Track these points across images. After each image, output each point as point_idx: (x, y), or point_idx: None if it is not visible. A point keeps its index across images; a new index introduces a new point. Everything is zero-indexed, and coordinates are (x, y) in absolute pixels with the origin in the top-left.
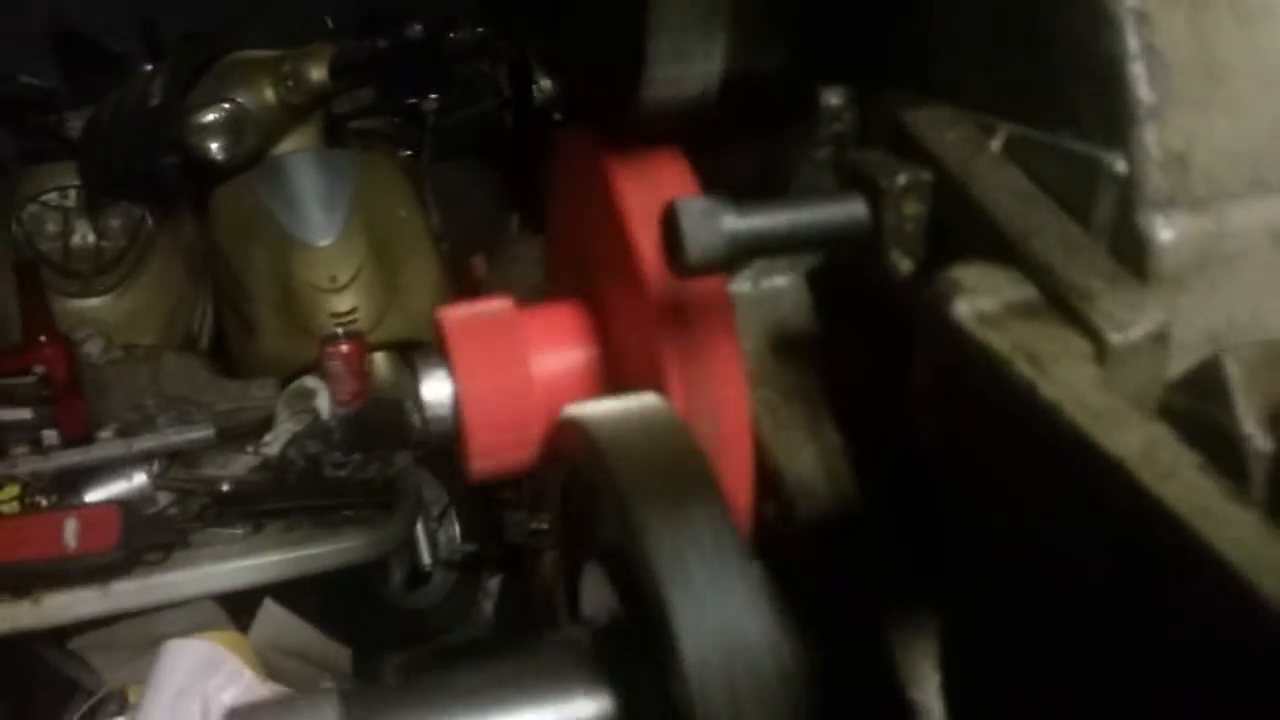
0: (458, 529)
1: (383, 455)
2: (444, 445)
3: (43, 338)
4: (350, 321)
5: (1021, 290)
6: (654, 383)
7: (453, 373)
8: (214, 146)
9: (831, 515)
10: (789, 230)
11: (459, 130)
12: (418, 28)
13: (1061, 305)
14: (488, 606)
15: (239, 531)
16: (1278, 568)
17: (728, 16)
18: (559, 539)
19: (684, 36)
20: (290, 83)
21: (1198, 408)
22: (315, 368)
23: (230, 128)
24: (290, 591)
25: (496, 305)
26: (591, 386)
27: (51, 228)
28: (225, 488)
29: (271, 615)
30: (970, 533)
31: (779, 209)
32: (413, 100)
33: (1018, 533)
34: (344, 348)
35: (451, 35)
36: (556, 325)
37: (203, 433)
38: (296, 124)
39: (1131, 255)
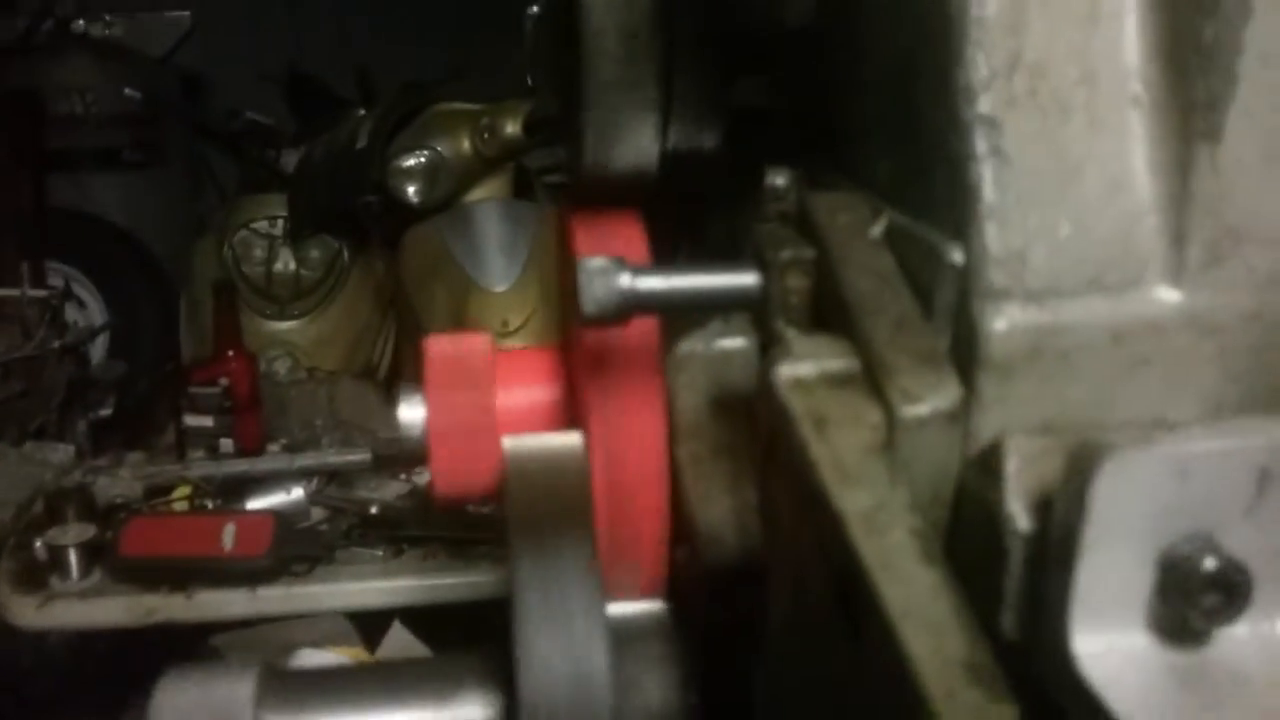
0: None
1: None
2: (416, 463)
3: (230, 353)
4: None
5: (844, 362)
6: (583, 425)
7: (425, 397)
8: (411, 190)
9: (733, 565)
10: (683, 293)
11: None
12: None
13: (871, 378)
14: None
15: (380, 553)
16: (922, 618)
17: (657, 100)
18: None
19: (611, 117)
20: (486, 135)
21: (978, 486)
22: None
23: (428, 174)
24: (426, 619)
25: (476, 341)
26: (552, 425)
27: (258, 253)
28: (374, 510)
29: (398, 638)
30: (775, 591)
31: (676, 272)
32: None
33: (798, 589)
34: None
35: None
36: (527, 365)
37: (360, 456)
38: (488, 174)
39: (967, 342)
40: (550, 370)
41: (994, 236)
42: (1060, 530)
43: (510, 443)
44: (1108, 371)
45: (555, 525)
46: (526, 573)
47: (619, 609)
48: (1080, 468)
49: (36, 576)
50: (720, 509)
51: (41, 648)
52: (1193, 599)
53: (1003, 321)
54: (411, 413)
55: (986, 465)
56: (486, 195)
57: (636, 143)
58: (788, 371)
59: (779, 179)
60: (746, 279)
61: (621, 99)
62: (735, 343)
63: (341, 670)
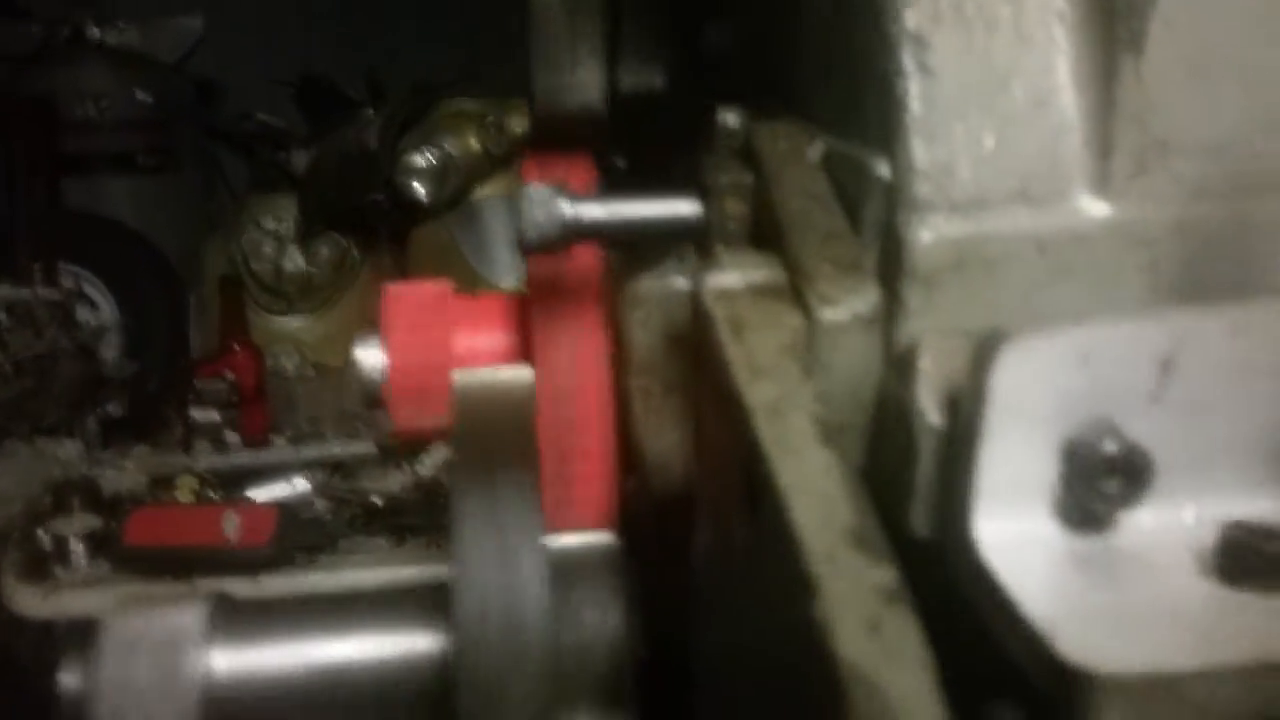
0: None
1: None
2: (372, 405)
3: (236, 347)
4: None
5: (769, 273)
6: (531, 359)
7: (384, 339)
8: (419, 188)
9: (680, 493)
10: (624, 221)
11: None
12: None
13: (794, 287)
14: None
15: (383, 542)
16: (812, 491)
17: (601, 38)
18: None
19: (556, 55)
20: (493, 133)
21: (893, 387)
22: None
23: (436, 172)
24: None
25: (433, 286)
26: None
27: (268, 251)
28: (377, 500)
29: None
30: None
31: (617, 200)
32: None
33: (718, 493)
34: None
35: None
36: (483, 309)
37: (365, 448)
38: (496, 172)
39: (894, 253)
40: (508, 315)
41: (920, 150)
42: (964, 419)
43: (459, 375)
44: (1032, 282)
45: (498, 456)
46: (466, 502)
47: (566, 540)
48: (982, 357)
49: (42, 566)
50: (668, 441)
51: (44, 638)
52: (1095, 484)
53: (928, 233)
54: (366, 354)
55: (901, 367)
56: (494, 193)
57: (583, 81)
58: (713, 281)
59: (730, 118)
60: (687, 207)
61: (565, 36)
62: (687, 281)
63: (293, 600)
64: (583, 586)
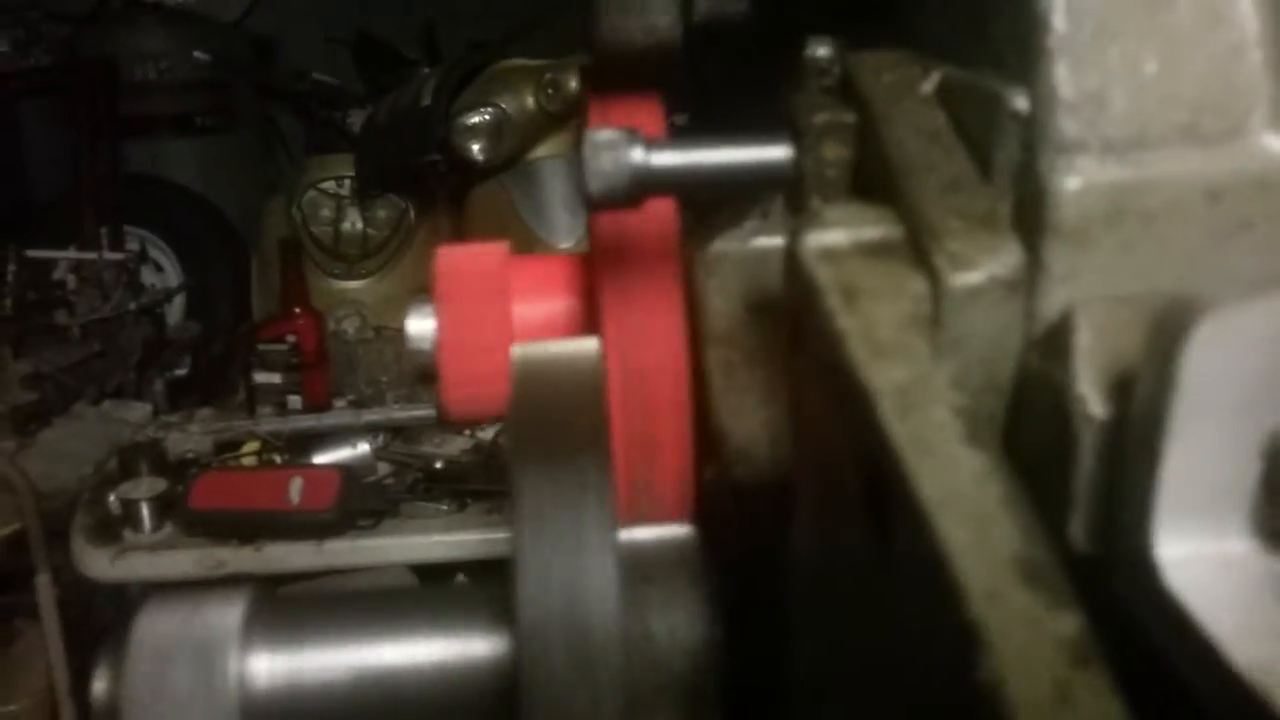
0: None
1: None
2: (426, 381)
3: (297, 310)
4: None
5: (883, 229)
6: (598, 329)
7: (436, 309)
8: (475, 148)
9: (767, 484)
10: (704, 169)
11: None
12: None
13: (915, 245)
14: None
15: (445, 507)
16: (965, 508)
17: None
18: None
19: None
20: (550, 91)
21: (1044, 367)
22: None
23: (492, 131)
24: (490, 573)
25: (490, 249)
26: (569, 333)
27: (326, 213)
28: (438, 465)
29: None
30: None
31: (695, 145)
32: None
33: (826, 493)
34: None
35: None
36: (545, 273)
37: (426, 411)
38: (553, 131)
39: (1033, 204)
40: (571, 278)
41: (1065, 77)
42: (1143, 411)
43: (519, 350)
44: (1202, 237)
45: (563, 439)
46: (529, 494)
47: (640, 534)
48: (1168, 333)
49: (110, 530)
50: (753, 422)
51: (119, 601)
52: None
53: (1076, 179)
54: (421, 325)
55: (1053, 343)
56: (551, 152)
57: (656, 9)
58: (815, 240)
59: (821, 49)
60: (777, 152)
61: None
62: (773, 241)
63: (339, 597)
64: (660, 586)
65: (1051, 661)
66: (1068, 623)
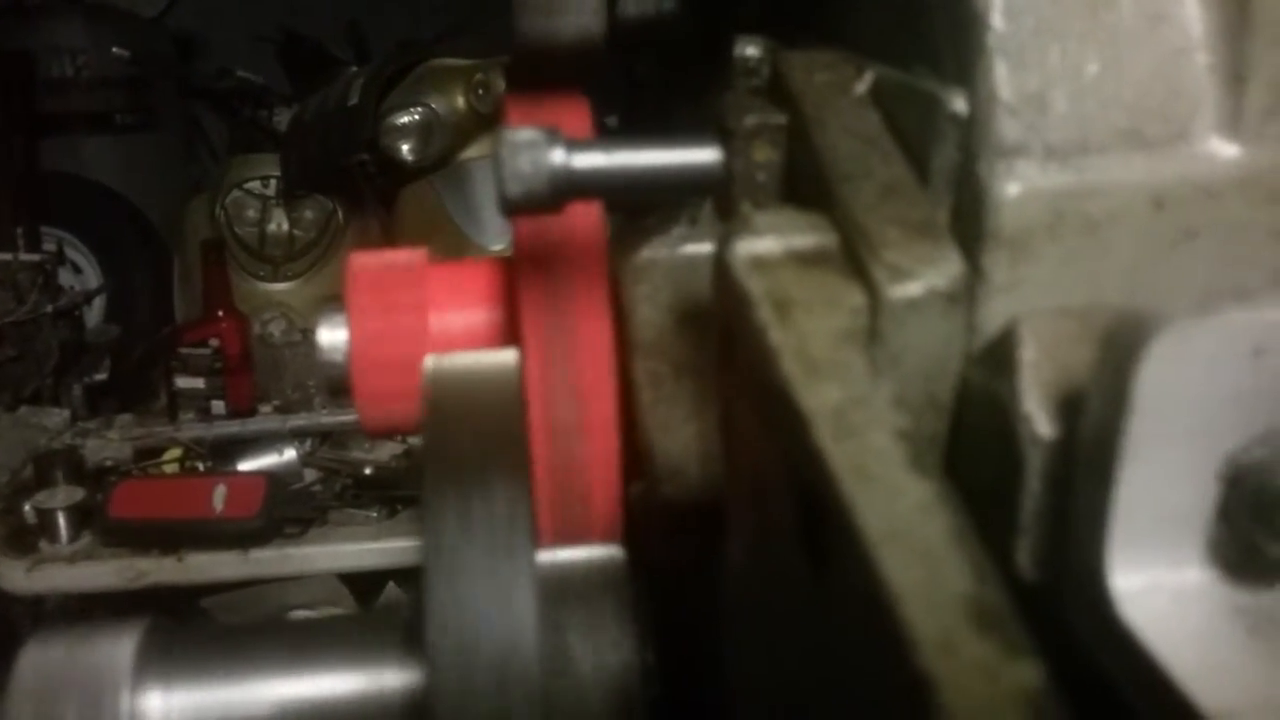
0: None
1: None
2: (339, 394)
3: (220, 313)
4: None
5: (817, 237)
6: (519, 341)
7: (348, 319)
8: (405, 148)
9: (696, 501)
10: (628, 172)
11: None
12: None
13: (851, 254)
14: None
15: (374, 514)
16: (911, 543)
17: None
18: None
19: None
20: (480, 91)
21: (985, 385)
22: None
23: (421, 131)
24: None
25: (406, 256)
26: (491, 345)
27: (251, 214)
28: (368, 471)
29: (393, 600)
30: (734, 522)
31: (619, 147)
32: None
33: (759, 516)
34: None
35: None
36: (465, 281)
37: (354, 416)
38: (484, 132)
39: (972, 211)
40: (493, 287)
41: (1005, 78)
42: (1095, 432)
43: (432, 362)
44: (1147, 246)
45: (478, 458)
46: (440, 519)
47: (564, 555)
48: (1120, 350)
49: (25, 540)
50: (683, 437)
51: (38, 613)
52: (1266, 520)
53: (1016, 184)
54: (333, 335)
55: (996, 357)
56: (483, 153)
57: (577, 6)
58: (745, 248)
59: (750, 48)
60: (705, 154)
61: None
62: (702, 248)
63: (242, 629)
64: (584, 608)
65: (1010, 715)
66: (1025, 672)
